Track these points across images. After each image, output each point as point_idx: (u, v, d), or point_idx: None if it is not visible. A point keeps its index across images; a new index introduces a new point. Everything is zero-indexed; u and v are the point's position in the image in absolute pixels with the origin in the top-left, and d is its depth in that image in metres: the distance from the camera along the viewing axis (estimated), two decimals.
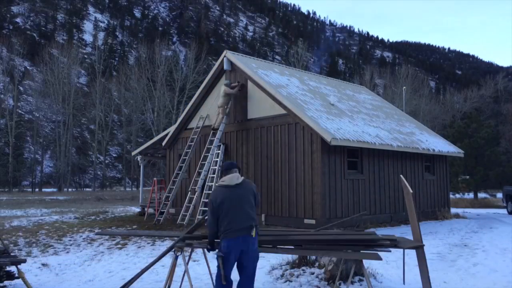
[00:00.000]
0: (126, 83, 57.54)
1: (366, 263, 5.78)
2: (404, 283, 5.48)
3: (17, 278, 6.53)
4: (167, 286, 5.22)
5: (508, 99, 70.34)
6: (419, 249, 4.71)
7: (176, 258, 5.24)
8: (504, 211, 21.01)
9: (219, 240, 4.69)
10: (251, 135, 14.26)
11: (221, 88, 14.67)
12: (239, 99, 14.76)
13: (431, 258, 8.00)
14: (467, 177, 30.60)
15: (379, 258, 4.83)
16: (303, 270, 6.68)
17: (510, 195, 19.99)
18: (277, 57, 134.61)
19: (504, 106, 63.72)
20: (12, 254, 7.60)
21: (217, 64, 15.65)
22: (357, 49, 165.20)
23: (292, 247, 5.56)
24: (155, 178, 17.17)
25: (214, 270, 6.32)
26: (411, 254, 5.06)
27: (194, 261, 8.11)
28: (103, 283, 7.03)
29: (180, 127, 17.05)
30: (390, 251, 5.07)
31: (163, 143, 17.72)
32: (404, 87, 40.92)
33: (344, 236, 5.28)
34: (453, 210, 18.28)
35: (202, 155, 14.56)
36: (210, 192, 13.22)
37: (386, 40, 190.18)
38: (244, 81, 14.72)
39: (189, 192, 14.23)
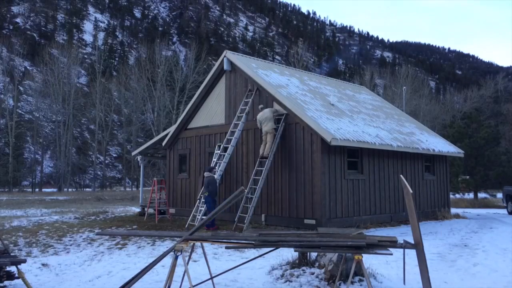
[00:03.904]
0: (126, 83, 57.52)
1: (366, 263, 5.78)
2: (404, 283, 5.48)
3: (17, 278, 6.53)
4: (167, 286, 5.21)
5: (508, 99, 70.40)
6: (419, 249, 4.71)
7: (176, 258, 5.23)
8: (504, 211, 21.00)
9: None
10: (250, 135, 14.25)
11: (268, 113, 13.10)
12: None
13: (431, 258, 7.99)
14: (467, 177, 30.55)
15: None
16: (303, 270, 6.68)
17: (510, 195, 19.97)
18: (277, 57, 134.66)
19: (504, 106, 63.73)
20: (12, 254, 7.60)
21: (217, 64, 15.64)
22: (357, 49, 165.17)
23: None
24: (155, 178, 17.16)
25: (214, 270, 6.33)
26: (411, 254, 5.06)
27: (194, 261, 8.11)
28: (103, 283, 7.02)
29: (180, 127, 17.05)
30: (391, 254, 5.06)
31: (163, 143, 17.73)
32: (404, 87, 40.87)
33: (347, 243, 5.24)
34: (453, 210, 18.28)
35: (214, 159, 14.23)
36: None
37: (386, 40, 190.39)
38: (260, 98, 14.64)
39: (201, 193, 14.18)
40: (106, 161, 70.13)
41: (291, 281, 6.40)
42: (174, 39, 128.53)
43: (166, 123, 50.69)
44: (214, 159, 14.31)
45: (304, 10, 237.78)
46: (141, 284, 6.25)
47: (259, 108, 13.62)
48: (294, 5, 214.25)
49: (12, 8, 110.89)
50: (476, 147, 29.42)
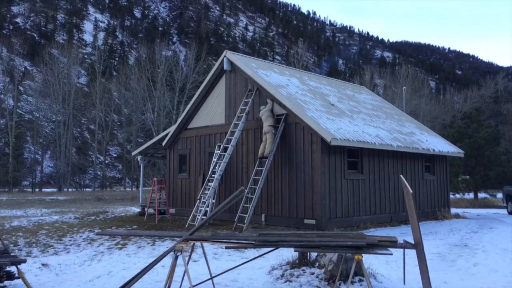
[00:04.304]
0: (126, 83, 57.53)
1: (366, 263, 5.78)
2: (404, 283, 5.48)
3: (17, 278, 6.53)
4: (167, 286, 5.21)
5: (508, 99, 70.39)
6: (419, 249, 4.71)
7: (176, 258, 5.24)
8: (504, 211, 21.01)
9: None
10: (250, 135, 14.25)
11: (266, 112, 13.15)
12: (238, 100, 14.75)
13: (431, 258, 8.00)
14: (467, 177, 30.54)
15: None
16: (303, 270, 6.68)
17: (510, 195, 19.97)
18: (277, 57, 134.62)
19: (504, 106, 63.75)
20: (12, 254, 7.60)
21: (217, 64, 15.65)
22: (357, 49, 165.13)
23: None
24: (155, 178, 17.17)
25: (214, 270, 6.33)
26: (411, 254, 5.06)
27: (194, 261, 8.11)
28: (103, 283, 7.02)
29: (180, 127, 17.05)
30: (391, 254, 5.06)
31: (163, 143, 17.73)
32: (404, 87, 40.86)
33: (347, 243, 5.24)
34: (453, 210, 18.28)
35: (214, 159, 14.23)
36: (207, 192, 13.27)
37: (386, 40, 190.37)
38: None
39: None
40: (106, 161, 70.13)
41: (291, 281, 6.40)
42: (174, 39, 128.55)
43: (166, 123, 50.70)
44: (214, 159, 14.31)
45: (304, 10, 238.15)
46: (141, 284, 6.25)
47: (260, 109, 13.63)
48: (294, 5, 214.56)
49: (12, 8, 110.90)
50: (476, 147, 29.42)
